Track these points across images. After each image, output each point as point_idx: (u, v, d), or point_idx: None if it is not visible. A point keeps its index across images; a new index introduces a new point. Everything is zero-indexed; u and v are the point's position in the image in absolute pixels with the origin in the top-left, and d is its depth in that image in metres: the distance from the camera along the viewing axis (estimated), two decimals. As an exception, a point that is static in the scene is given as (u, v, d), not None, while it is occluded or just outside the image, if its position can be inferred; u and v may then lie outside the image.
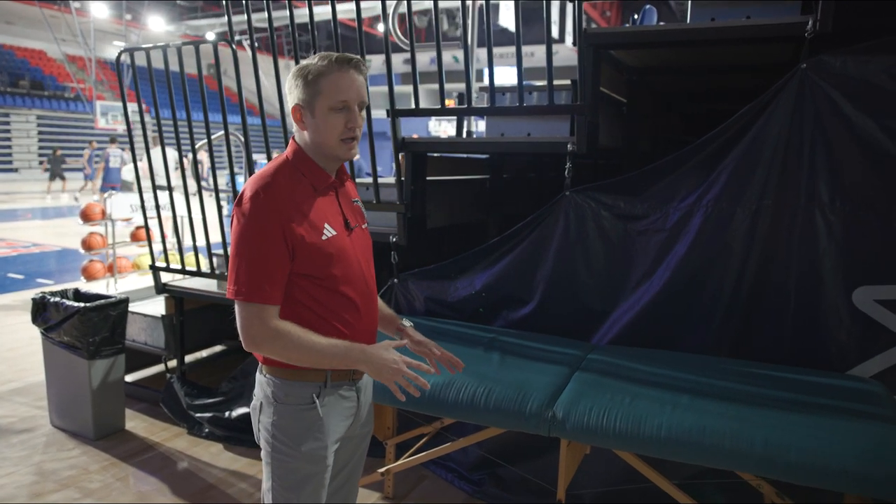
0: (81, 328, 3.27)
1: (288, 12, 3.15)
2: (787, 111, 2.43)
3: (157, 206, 3.80)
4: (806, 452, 1.86)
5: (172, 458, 3.24)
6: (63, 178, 18.98)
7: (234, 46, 3.18)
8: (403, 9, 3.95)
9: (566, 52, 15.77)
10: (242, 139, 3.50)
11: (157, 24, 25.85)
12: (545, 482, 2.76)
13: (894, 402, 2.21)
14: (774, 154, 2.47)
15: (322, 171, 1.60)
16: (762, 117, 2.48)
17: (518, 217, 3.04)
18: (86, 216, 5.38)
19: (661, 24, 4.73)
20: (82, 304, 3.28)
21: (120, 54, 3.54)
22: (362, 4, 2.98)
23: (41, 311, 3.43)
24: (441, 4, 2.85)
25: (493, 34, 2.90)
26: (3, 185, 21.21)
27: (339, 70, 1.52)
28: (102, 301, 3.36)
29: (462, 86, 3.10)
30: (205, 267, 3.78)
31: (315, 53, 1.57)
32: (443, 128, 22.64)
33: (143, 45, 3.47)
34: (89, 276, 5.24)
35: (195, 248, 3.76)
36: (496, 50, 3.02)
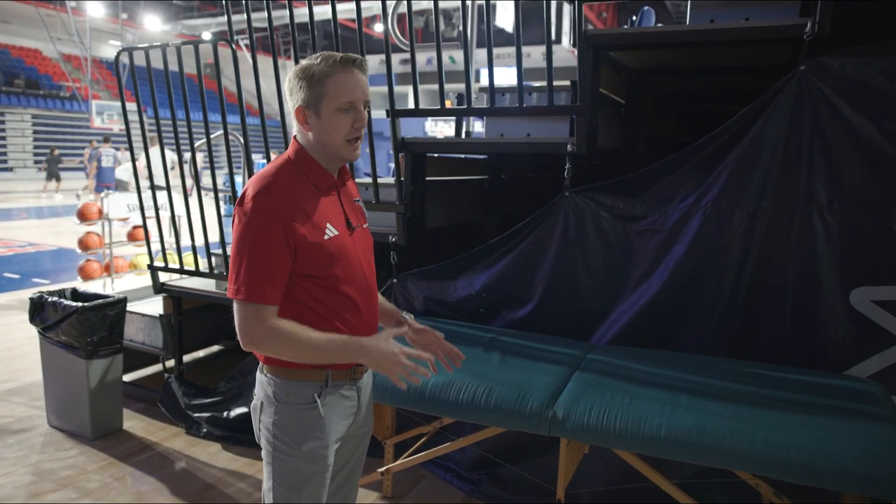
0: (79, 328, 3.26)
1: (285, 12, 3.15)
2: (785, 113, 2.45)
3: (156, 206, 3.80)
4: (805, 452, 1.87)
5: (170, 458, 3.24)
6: (58, 179, 18.90)
7: (234, 46, 3.18)
8: (401, 9, 3.96)
9: (562, 53, 15.80)
10: (241, 139, 3.50)
11: (153, 24, 25.78)
12: (543, 482, 2.77)
13: (892, 402, 2.22)
14: (773, 156, 2.48)
15: (325, 171, 1.60)
16: (761, 119, 2.49)
17: (516, 217, 3.05)
18: (82, 216, 5.36)
19: (660, 25, 4.75)
20: (80, 304, 3.27)
21: (119, 53, 3.54)
22: (348, 5, 2.98)
23: (39, 310, 3.42)
24: (440, 5, 2.86)
25: (485, 35, 2.91)
26: (-2, 185, 21.16)
27: (344, 71, 1.53)
28: (100, 301, 3.36)
29: (457, 86, 3.11)
30: (203, 267, 3.78)
31: (315, 54, 1.57)
32: (439, 128, 22.65)
33: (143, 45, 3.46)
34: (86, 275, 5.23)
35: (193, 248, 3.75)
36: (496, 50, 3.02)
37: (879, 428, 1.98)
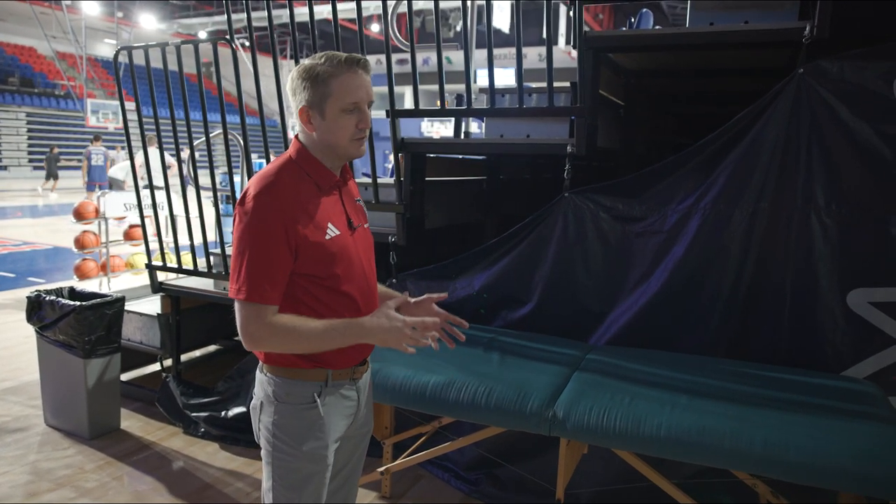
0: (77, 327, 3.25)
1: (282, 11, 3.15)
2: (784, 115, 2.47)
3: (155, 205, 3.79)
4: (804, 452, 1.88)
5: (168, 458, 3.23)
6: (56, 178, 18.82)
7: (234, 46, 3.17)
8: (398, 9, 3.97)
9: (558, 54, 15.83)
10: (240, 139, 3.50)
11: (149, 22, 25.71)
12: (542, 481, 2.78)
13: (889, 403, 2.24)
14: (772, 158, 2.50)
15: (327, 171, 1.60)
16: (760, 121, 2.51)
17: (515, 218, 3.06)
18: (79, 215, 5.35)
19: (658, 27, 4.77)
20: (78, 303, 3.26)
21: (118, 52, 3.53)
22: (353, 5, 2.98)
23: (36, 309, 3.40)
24: (432, 6, 2.86)
25: (483, 35, 2.92)
26: (-7, 183, 21.06)
27: (349, 71, 1.53)
28: (98, 300, 3.35)
29: (453, 87, 3.12)
30: (201, 266, 3.77)
31: (318, 53, 1.57)
32: (435, 128, 22.64)
33: (143, 44, 3.45)
34: (82, 274, 5.22)
35: (192, 248, 3.74)
36: (484, 51, 3.03)
37: (877, 428, 2.00)
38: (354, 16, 3.06)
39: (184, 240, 3.77)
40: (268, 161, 2.98)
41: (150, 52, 3.44)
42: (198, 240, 3.66)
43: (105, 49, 28.18)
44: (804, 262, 2.51)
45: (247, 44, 3.40)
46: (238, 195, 2.76)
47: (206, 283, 3.79)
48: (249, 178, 1.61)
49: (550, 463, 2.65)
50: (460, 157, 4.08)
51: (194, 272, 3.70)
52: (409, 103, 3.16)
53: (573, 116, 2.89)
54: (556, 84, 3.00)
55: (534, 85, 3.89)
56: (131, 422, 3.60)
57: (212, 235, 3.69)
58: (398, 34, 4.05)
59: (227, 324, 4.08)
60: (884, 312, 2.44)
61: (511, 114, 3.26)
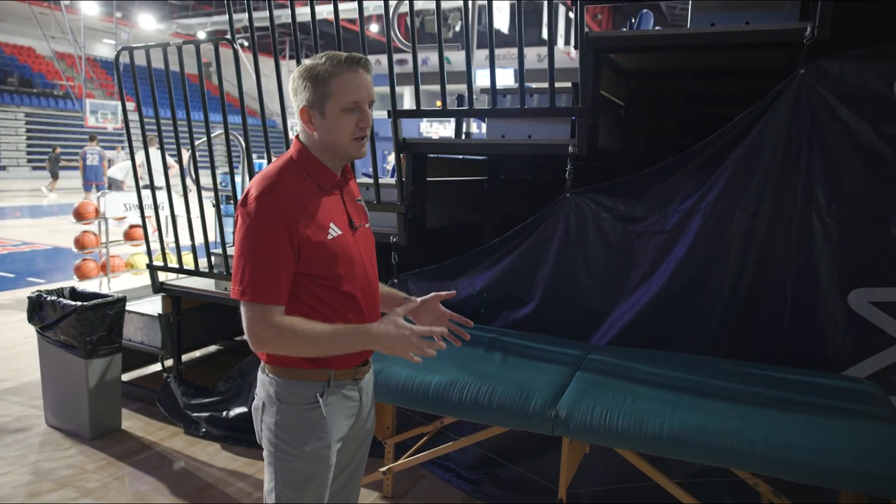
0: (79, 327, 3.25)
1: (281, 12, 3.15)
2: (785, 116, 2.47)
3: (156, 206, 3.79)
4: (806, 451, 1.89)
5: (170, 458, 3.23)
6: (55, 177, 18.80)
7: (236, 46, 3.18)
8: (398, 10, 3.97)
9: (556, 54, 15.82)
10: (241, 140, 3.50)
11: (148, 23, 25.70)
12: (543, 481, 2.78)
13: (889, 402, 2.25)
14: (772, 158, 2.51)
15: (328, 171, 1.60)
16: (761, 121, 2.51)
17: (515, 218, 3.06)
18: (79, 215, 5.34)
19: (658, 28, 4.77)
20: (79, 303, 3.26)
21: (119, 52, 3.53)
22: (350, 5, 2.99)
23: (37, 309, 3.40)
24: (432, 6, 2.87)
25: (483, 36, 2.93)
26: (-8, 183, 21.03)
27: (349, 70, 1.53)
28: (100, 300, 3.35)
29: (453, 87, 3.12)
30: (202, 266, 3.77)
31: (319, 53, 1.57)
32: (434, 129, 22.64)
33: (144, 44, 3.46)
34: (82, 274, 5.21)
35: (193, 248, 3.75)
36: (485, 51, 3.04)
37: (878, 427, 2.01)
38: (353, 16, 3.05)
39: (185, 240, 3.77)
40: (269, 161, 2.98)
41: (150, 52, 3.44)
42: (199, 240, 3.67)
43: (104, 49, 28.14)
44: (805, 262, 2.51)
45: (246, 44, 3.40)
46: (239, 195, 2.76)
47: (207, 283, 3.79)
48: (251, 178, 1.60)
49: (551, 463, 2.65)
50: (461, 157, 4.08)
51: (195, 272, 3.70)
52: (407, 103, 3.17)
53: (574, 117, 2.89)
54: (558, 84, 3.00)
55: (533, 85, 3.89)
56: (132, 422, 3.60)
57: (212, 235, 3.69)
58: (399, 34, 4.06)
59: (228, 324, 4.08)
60: (884, 312, 2.45)
61: (512, 114, 3.27)
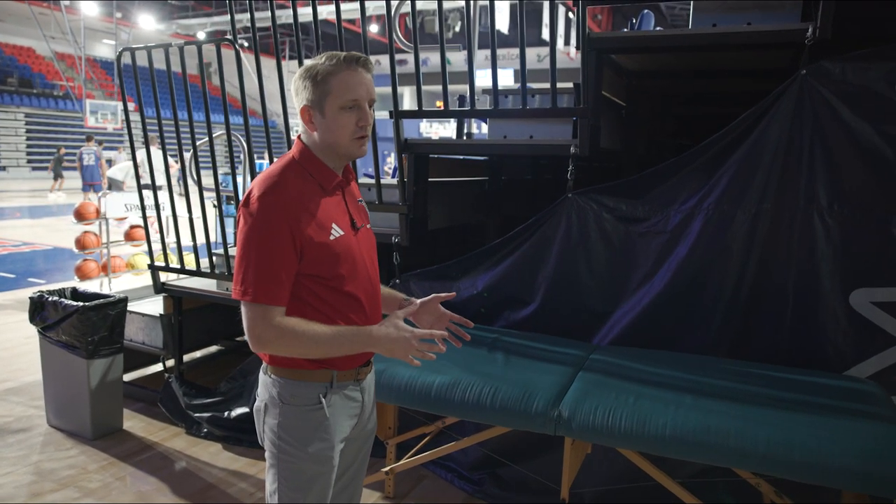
0: (80, 327, 3.25)
1: (280, 12, 3.16)
2: (787, 116, 2.48)
3: (157, 206, 3.80)
4: (808, 451, 1.90)
5: (171, 458, 3.24)
6: (55, 178, 18.79)
7: (237, 47, 3.18)
8: (400, 10, 3.97)
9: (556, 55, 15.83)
10: (242, 140, 3.50)
11: (148, 23, 25.70)
12: (545, 481, 2.78)
13: (891, 402, 2.25)
14: (774, 158, 2.51)
15: (330, 171, 1.60)
16: (763, 122, 2.52)
17: (516, 218, 3.06)
18: (80, 215, 5.34)
19: (659, 29, 4.78)
20: (81, 304, 3.26)
21: (121, 53, 3.53)
22: (348, 5, 2.99)
23: (39, 310, 3.40)
24: (432, 6, 2.88)
25: (482, 36, 2.93)
26: (-9, 184, 21.02)
27: (349, 69, 1.53)
28: (101, 300, 3.35)
29: (452, 87, 3.12)
30: (204, 266, 3.77)
31: (320, 54, 1.57)
32: (434, 129, 22.64)
33: (146, 45, 3.46)
34: (83, 275, 5.20)
35: (195, 248, 3.75)
36: (484, 52, 3.04)
37: (880, 427, 2.01)
38: (352, 16, 3.05)
39: (186, 240, 3.78)
40: (270, 161, 2.98)
41: (152, 52, 3.44)
42: (200, 240, 3.67)
43: (104, 49, 28.13)
44: (806, 262, 2.52)
45: (246, 44, 3.40)
46: (240, 196, 2.76)
47: (208, 283, 3.80)
48: (252, 178, 1.60)
49: (553, 462, 2.65)
50: (462, 157, 4.09)
51: (197, 273, 3.70)
52: (406, 104, 3.17)
53: (576, 117, 2.90)
54: (560, 85, 3.00)
55: (533, 86, 3.89)
56: (134, 422, 3.60)
57: (213, 236, 3.69)
58: (400, 35, 4.06)
59: (230, 324, 4.08)
60: (886, 312, 2.45)
61: (514, 115, 3.27)
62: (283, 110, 3.17)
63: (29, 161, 23.72)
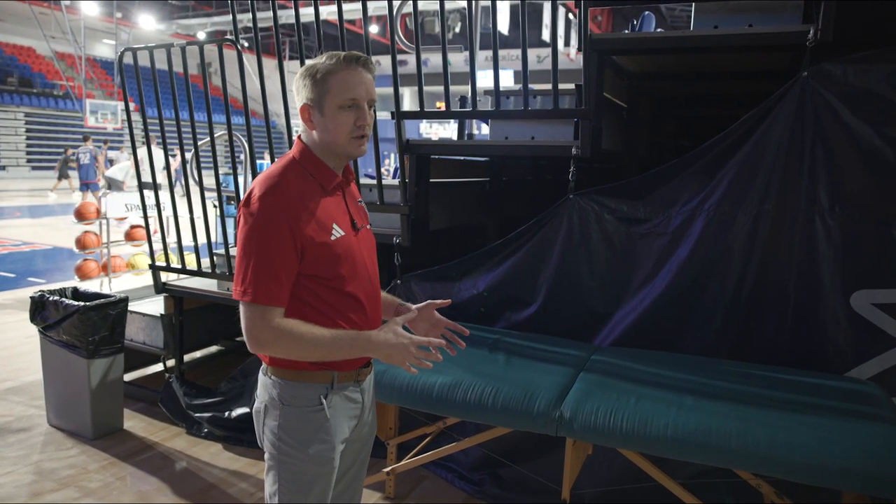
0: (81, 327, 3.26)
1: (281, 13, 3.17)
2: (788, 118, 2.48)
3: (159, 206, 3.80)
4: (809, 452, 1.90)
5: (172, 458, 3.24)
6: (60, 178, 18.79)
7: (239, 48, 3.18)
8: (401, 10, 3.97)
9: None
10: (243, 140, 3.51)
11: (148, 23, 25.70)
12: (545, 481, 2.79)
13: (892, 404, 2.25)
14: (776, 160, 2.51)
15: (330, 171, 1.59)
16: (764, 123, 2.52)
17: (517, 219, 3.06)
18: (80, 215, 5.34)
19: (660, 30, 4.78)
20: (82, 303, 3.26)
21: (122, 53, 3.53)
22: (349, 5, 2.99)
23: (40, 309, 3.40)
24: (432, 7, 2.88)
25: (482, 37, 2.93)
26: (-9, 183, 21.02)
27: (348, 68, 1.52)
28: (102, 300, 3.35)
29: (452, 88, 3.11)
30: (205, 266, 3.78)
31: (322, 53, 1.57)
32: (434, 130, 22.65)
33: (148, 45, 3.46)
34: (83, 275, 5.21)
35: (196, 248, 3.75)
36: (485, 52, 3.05)
37: (881, 429, 2.01)
38: (352, 17, 3.06)
39: (187, 240, 3.78)
40: (272, 161, 2.98)
41: (153, 53, 3.45)
42: (201, 240, 3.67)
43: (104, 49, 28.13)
44: (807, 263, 2.52)
45: (247, 45, 3.40)
46: (241, 196, 2.76)
47: (209, 283, 3.80)
48: (254, 178, 1.60)
49: (553, 463, 2.66)
50: (463, 158, 4.09)
51: (198, 273, 3.70)
52: (406, 104, 3.16)
53: (578, 119, 2.90)
54: (562, 86, 3.01)
55: (534, 87, 3.90)
56: (134, 422, 3.60)
57: (214, 236, 3.69)
58: (400, 35, 4.06)
59: (230, 324, 4.08)
60: (887, 314, 2.45)
61: (516, 116, 3.27)
62: (284, 110, 3.17)
63: (29, 161, 23.72)
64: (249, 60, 3.87)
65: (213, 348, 4.51)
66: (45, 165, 23.69)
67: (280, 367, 1.59)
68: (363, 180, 3.37)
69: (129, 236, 5.55)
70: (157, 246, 3.95)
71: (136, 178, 3.87)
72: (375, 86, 1.61)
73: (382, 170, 3.21)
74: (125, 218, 5.55)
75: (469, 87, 3.12)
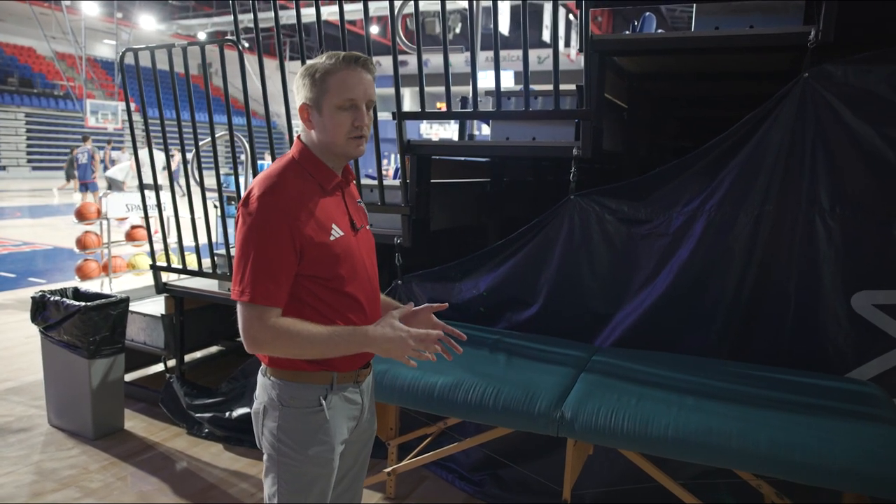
0: (82, 327, 3.26)
1: (281, 13, 3.16)
2: (789, 118, 2.48)
3: (160, 206, 3.80)
4: (810, 452, 1.90)
5: (172, 458, 3.24)
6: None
7: (240, 48, 3.18)
8: (402, 11, 3.97)
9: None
10: (245, 141, 3.51)
11: (148, 23, 25.71)
12: (546, 482, 2.79)
13: (893, 405, 2.25)
14: (776, 160, 2.52)
15: (329, 171, 1.59)
16: (765, 124, 2.52)
17: (517, 220, 3.06)
18: (80, 215, 5.35)
19: (661, 31, 4.79)
20: (83, 303, 3.27)
21: (124, 53, 3.54)
22: (350, 6, 2.99)
23: (41, 309, 3.41)
24: (433, 7, 2.88)
25: (483, 38, 2.94)
26: (-9, 183, 21.02)
27: (347, 68, 1.52)
28: (103, 300, 3.35)
29: (453, 89, 3.12)
30: (205, 266, 3.78)
31: (322, 53, 1.57)
32: (434, 130, 22.66)
33: (149, 45, 3.46)
34: (83, 275, 5.21)
35: (197, 249, 3.75)
36: (485, 53, 3.06)
37: (882, 429, 2.01)
38: (352, 17, 3.06)
39: (188, 240, 3.78)
40: (273, 160, 2.98)
41: (154, 53, 3.45)
42: (202, 240, 3.67)
43: (104, 50, 28.15)
44: (808, 264, 2.52)
45: (247, 45, 3.40)
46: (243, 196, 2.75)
47: (209, 283, 3.80)
48: (255, 178, 1.60)
49: (554, 464, 2.66)
50: (464, 159, 4.09)
51: (198, 273, 3.71)
52: (406, 105, 3.16)
53: (579, 119, 2.90)
54: (563, 86, 3.01)
55: (535, 88, 3.90)
56: (135, 422, 3.60)
57: (215, 236, 3.69)
58: (401, 36, 4.06)
59: (231, 324, 4.07)
60: (888, 315, 2.45)
61: (517, 116, 3.27)
62: (285, 110, 3.17)
63: (29, 161, 23.73)
64: (250, 61, 3.87)
65: (214, 348, 4.51)
66: (45, 166, 23.70)
67: (279, 368, 1.58)
68: (364, 181, 3.37)
69: (130, 236, 5.56)
70: (158, 246, 3.95)
71: (137, 179, 3.87)
72: (376, 86, 1.60)
73: (385, 172, 3.20)
74: (126, 218, 5.56)
75: (470, 88, 3.12)
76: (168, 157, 3.84)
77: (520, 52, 2.93)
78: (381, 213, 3.22)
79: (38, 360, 3.56)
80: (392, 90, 3.21)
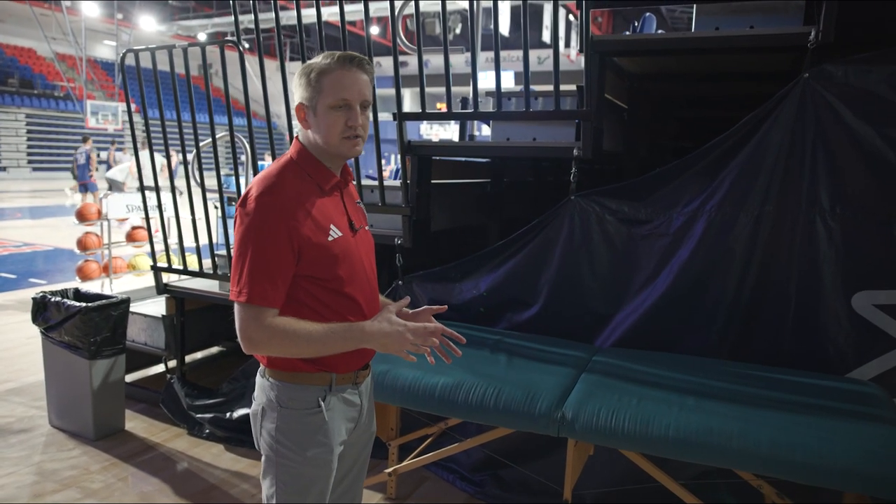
0: (83, 328, 3.26)
1: (281, 13, 3.17)
2: (789, 119, 2.48)
3: (160, 207, 3.80)
4: (810, 452, 1.90)
5: (173, 459, 3.24)
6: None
7: (241, 49, 3.19)
8: (403, 12, 3.98)
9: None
10: (245, 142, 3.51)
11: (149, 24, 25.71)
12: (547, 482, 2.79)
13: (893, 405, 2.26)
14: (777, 161, 2.52)
15: (327, 171, 1.59)
16: (765, 125, 2.52)
17: (518, 220, 3.06)
18: (81, 216, 5.35)
19: (661, 32, 4.79)
20: (84, 304, 3.27)
21: (124, 54, 3.54)
22: (349, 7, 3.00)
23: (42, 310, 3.41)
24: (433, 8, 2.88)
25: (483, 38, 2.94)
26: (-8, 184, 21.03)
27: (342, 68, 1.51)
28: (104, 301, 3.36)
29: (453, 90, 3.12)
30: (206, 267, 3.78)
31: (321, 53, 1.57)
32: (434, 131, 22.66)
33: (150, 46, 3.46)
34: (84, 276, 5.22)
35: (198, 249, 3.75)
36: (486, 54, 3.06)
37: (882, 429, 2.01)
38: (352, 18, 3.07)
39: (188, 241, 3.78)
40: (273, 160, 2.99)
41: (146, 54, 3.45)
42: (202, 241, 3.67)
43: (105, 51, 28.16)
44: (808, 264, 2.52)
45: (247, 45, 3.40)
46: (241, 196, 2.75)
47: (210, 284, 3.80)
48: (253, 178, 1.60)
49: (555, 464, 2.66)
50: (464, 159, 4.09)
51: (199, 274, 3.71)
52: (406, 105, 3.16)
53: (580, 120, 2.90)
54: (563, 87, 3.01)
55: (535, 88, 3.90)
56: (136, 423, 3.60)
57: (215, 237, 3.69)
58: (401, 36, 4.07)
59: (232, 325, 4.07)
60: (888, 315, 2.45)
61: (518, 117, 3.28)
62: (286, 111, 3.18)
63: (29, 162, 23.75)
64: (251, 61, 3.87)
65: (215, 349, 4.51)
66: (46, 167, 23.72)
67: (278, 369, 1.58)
68: (364, 181, 3.37)
69: (130, 237, 5.56)
70: (159, 247, 3.95)
71: (139, 179, 3.87)
72: (377, 87, 1.60)
73: (385, 173, 3.20)
74: (126, 219, 5.56)
75: (470, 89, 3.12)
76: (169, 160, 3.84)
77: (520, 53, 2.93)
78: (381, 213, 3.22)
79: (38, 361, 3.56)
80: (392, 91, 3.21)
